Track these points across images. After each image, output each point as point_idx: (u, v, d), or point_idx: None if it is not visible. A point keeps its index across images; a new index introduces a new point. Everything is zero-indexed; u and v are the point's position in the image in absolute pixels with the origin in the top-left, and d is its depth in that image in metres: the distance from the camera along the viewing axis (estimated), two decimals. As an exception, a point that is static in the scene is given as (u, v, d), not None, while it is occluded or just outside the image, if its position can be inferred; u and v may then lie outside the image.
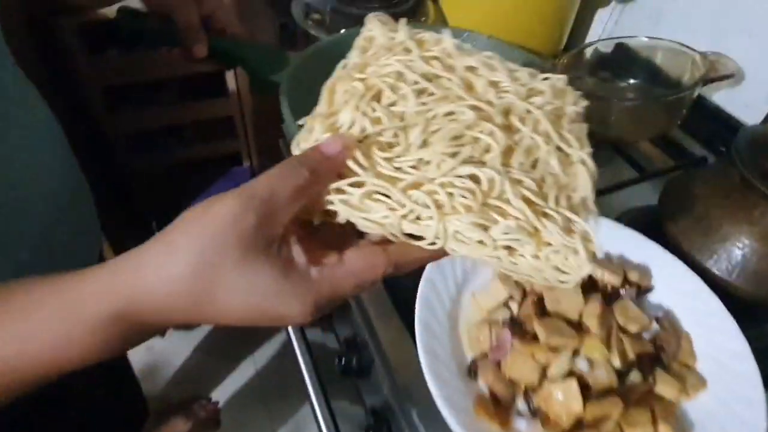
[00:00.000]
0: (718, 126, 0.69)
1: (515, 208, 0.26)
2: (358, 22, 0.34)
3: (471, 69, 0.32)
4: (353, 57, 0.32)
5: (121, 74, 1.12)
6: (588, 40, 0.88)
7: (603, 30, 0.85)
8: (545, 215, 0.26)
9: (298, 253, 0.24)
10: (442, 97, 0.29)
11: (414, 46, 0.32)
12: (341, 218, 0.26)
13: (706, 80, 0.59)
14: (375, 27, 0.34)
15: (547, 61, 0.70)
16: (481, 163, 0.27)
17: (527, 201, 0.26)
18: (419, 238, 0.26)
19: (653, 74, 0.70)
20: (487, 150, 0.28)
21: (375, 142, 0.27)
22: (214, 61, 0.49)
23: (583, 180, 0.29)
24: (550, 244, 0.26)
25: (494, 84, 0.31)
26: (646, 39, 0.70)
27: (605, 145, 0.67)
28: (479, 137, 0.28)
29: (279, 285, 0.23)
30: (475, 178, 0.26)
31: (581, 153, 0.29)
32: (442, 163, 0.26)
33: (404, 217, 0.25)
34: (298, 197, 0.24)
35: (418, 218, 0.26)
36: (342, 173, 0.26)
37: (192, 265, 0.22)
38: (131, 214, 1.31)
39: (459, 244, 0.26)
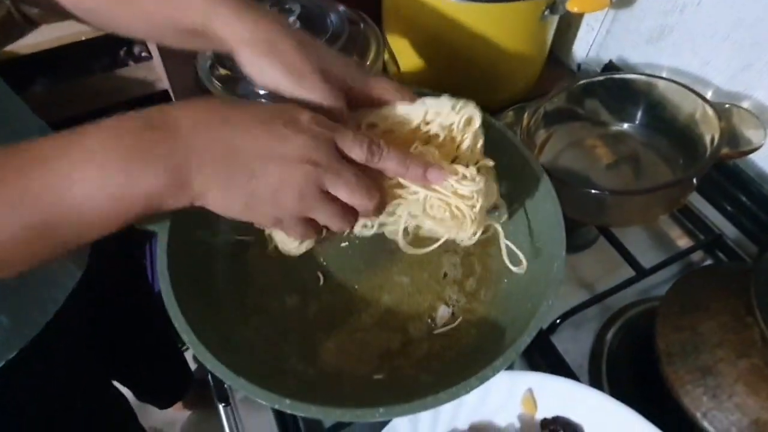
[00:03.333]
0: (737, 188, 0.55)
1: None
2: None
3: None
4: None
5: (53, 110, 1.00)
6: (575, 48, 0.72)
7: (593, 41, 0.68)
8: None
9: None
10: None
11: None
12: None
13: (721, 157, 0.45)
14: None
15: (506, 115, 0.55)
16: None
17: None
18: None
19: (656, 110, 0.55)
20: None
21: None
22: None
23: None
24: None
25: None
26: (644, 77, 0.54)
27: (585, 230, 0.54)
28: None
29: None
30: None
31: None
32: None
33: None
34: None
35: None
36: None
37: None
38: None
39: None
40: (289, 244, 0.37)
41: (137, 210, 0.28)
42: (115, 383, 0.81)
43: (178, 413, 1.25)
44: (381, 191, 0.33)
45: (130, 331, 0.79)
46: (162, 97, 1.05)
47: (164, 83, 1.00)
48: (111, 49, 1.04)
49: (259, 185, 0.29)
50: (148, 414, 1.20)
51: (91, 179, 0.26)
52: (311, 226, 0.33)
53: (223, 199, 0.29)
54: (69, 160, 0.26)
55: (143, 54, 1.07)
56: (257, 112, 0.30)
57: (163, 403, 1.11)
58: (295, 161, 0.29)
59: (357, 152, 0.31)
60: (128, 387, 0.91)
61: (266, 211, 0.30)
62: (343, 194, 0.31)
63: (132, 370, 0.89)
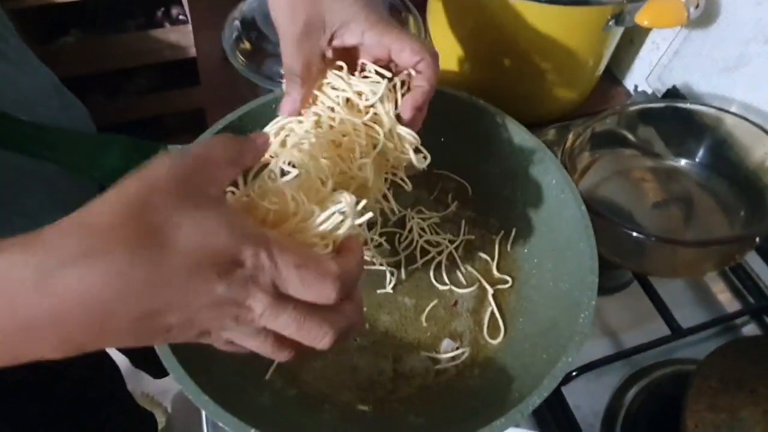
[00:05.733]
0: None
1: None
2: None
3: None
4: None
5: (81, 63, 0.97)
6: (635, 67, 0.65)
7: (657, 62, 0.61)
8: None
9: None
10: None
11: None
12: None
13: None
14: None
15: (547, 133, 0.50)
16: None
17: None
18: None
19: (720, 150, 0.49)
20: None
21: None
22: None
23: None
24: None
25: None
26: (713, 110, 0.47)
27: (619, 271, 0.48)
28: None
29: (230, 219, 0.22)
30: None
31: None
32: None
33: None
34: (232, 163, 0.25)
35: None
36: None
37: (127, 204, 0.21)
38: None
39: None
40: None
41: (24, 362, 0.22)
42: (110, 350, 0.79)
43: (172, 383, 1.24)
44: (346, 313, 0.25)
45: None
46: (191, 64, 1.02)
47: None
48: (148, 7, 1.01)
49: (177, 335, 0.22)
50: (143, 380, 1.20)
51: None
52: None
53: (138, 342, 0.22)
54: None
55: (180, 16, 1.04)
56: (189, 252, 0.21)
57: (158, 372, 1.11)
58: (215, 309, 0.22)
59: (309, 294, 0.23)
60: (124, 353, 0.90)
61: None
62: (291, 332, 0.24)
63: None
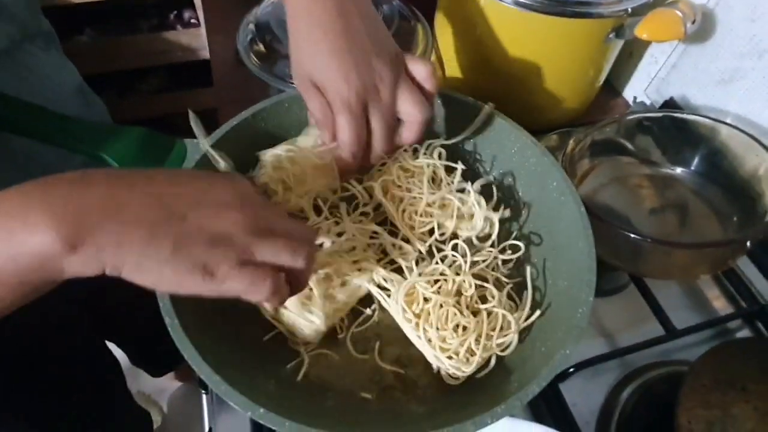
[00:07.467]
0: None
1: None
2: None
3: None
4: None
5: (95, 62, 0.99)
6: (634, 78, 0.67)
7: (655, 75, 0.63)
8: None
9: None
10: None
11: None
12: None
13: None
14: None
15: (550, 138, 0.51)
16: None
17: None
18: None
19: (715, 159, 0.51)
20: None
21: None
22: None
23: None
24: None
25: None
26: (707, 120, 0.49)
27: (616, 274, 0.50)
28: None
29: None
30: None
31: None
32: None
33: None
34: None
35: None
36: None
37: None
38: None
39: None
40: (305, 328, 0.38)
41: (33, 273, 0.24)
42: (111, 346, 0.80)
43: (169, 383, 1.25)
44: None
45: (128, 295, 0.78)
46: (203, 66, 1.04)
47: (207, 52, 1.00)
48: (161, 10, 1.04)
49: (190, 225, 0.26)
50: (140, 378, 1.21)
51: None
52: (260, 271, 0.28)
53: (147, 245, 0.25)
54: None
55: (192, 20, 1.07)
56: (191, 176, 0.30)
57: (156, 371, 1.11)
58: (229, 204, 0.28)
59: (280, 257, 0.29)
60: (123, 350, 0.91)
61: (199, 255, 0.26)
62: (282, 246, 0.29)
63: (128, 334, 0.88)
